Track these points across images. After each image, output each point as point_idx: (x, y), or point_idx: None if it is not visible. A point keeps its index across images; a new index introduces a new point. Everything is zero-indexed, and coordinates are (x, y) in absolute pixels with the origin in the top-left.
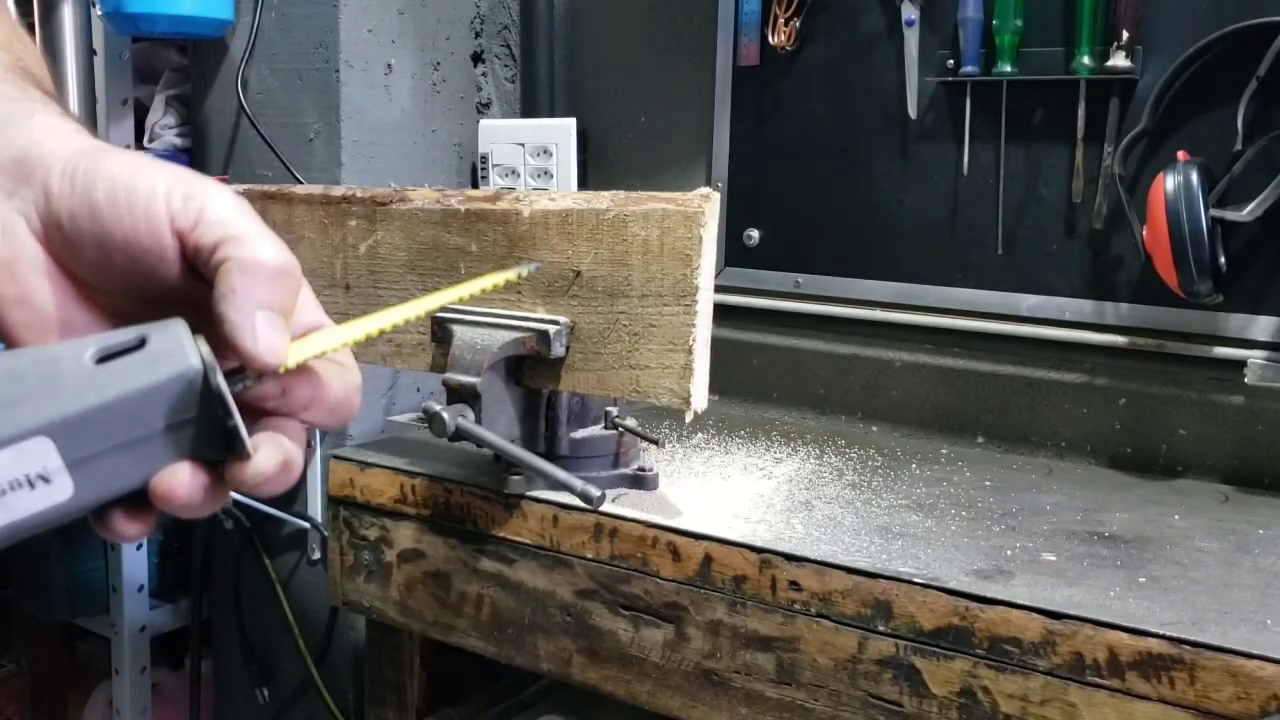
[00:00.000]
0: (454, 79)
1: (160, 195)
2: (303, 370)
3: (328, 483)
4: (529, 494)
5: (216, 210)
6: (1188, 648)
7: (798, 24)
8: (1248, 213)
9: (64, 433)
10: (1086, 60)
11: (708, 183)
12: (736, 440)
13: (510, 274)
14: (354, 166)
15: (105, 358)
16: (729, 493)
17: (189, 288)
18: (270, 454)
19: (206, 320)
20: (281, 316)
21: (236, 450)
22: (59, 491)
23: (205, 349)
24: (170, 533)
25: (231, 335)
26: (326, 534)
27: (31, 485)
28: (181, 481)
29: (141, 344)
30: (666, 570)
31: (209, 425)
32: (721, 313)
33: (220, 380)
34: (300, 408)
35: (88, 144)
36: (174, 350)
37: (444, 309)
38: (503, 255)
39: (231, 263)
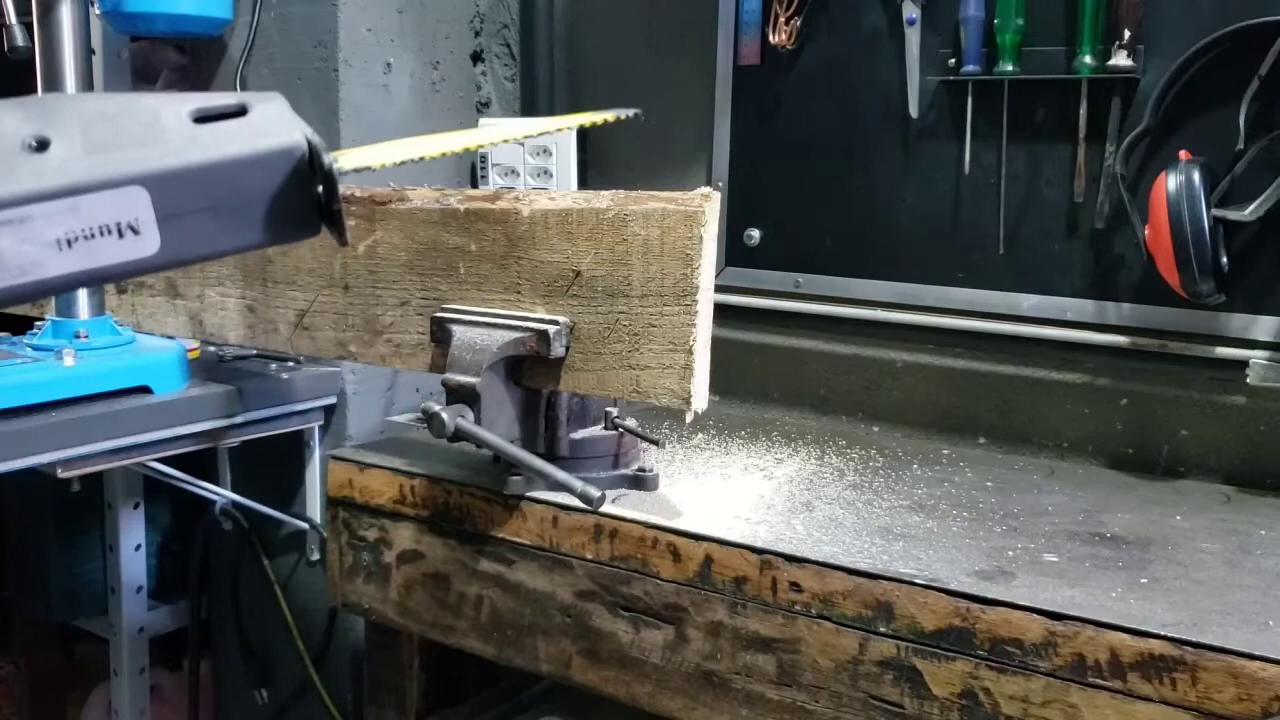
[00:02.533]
0: (453, 78)
1: None
2: None
3: (327, 483)
4: (528, 495)
5: None
6: (1189, 649)
7: (798, 23)
8: (1249, 212)
9: (161, 186)
10: (1088, 59)
11: (708, 182)
12: (737, 441)
13: (610, 114)
14: None
15: (204, 118)
16: (729, 493)
17: None
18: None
19: None
20: None
21: (337, 233)
22: (146, 245)
23: (308, 128)
24: (168, 534)
25: None
26: (325, 535)
27: (120, 234)
28: None
29: (242, 111)
30: (667, 571)
31: (307, 204)
32: (722, 313)
33: (330, 158)
34: None
35: None
36: (278, 123)
37: (442, 306)
38: (502, 255)
39: None
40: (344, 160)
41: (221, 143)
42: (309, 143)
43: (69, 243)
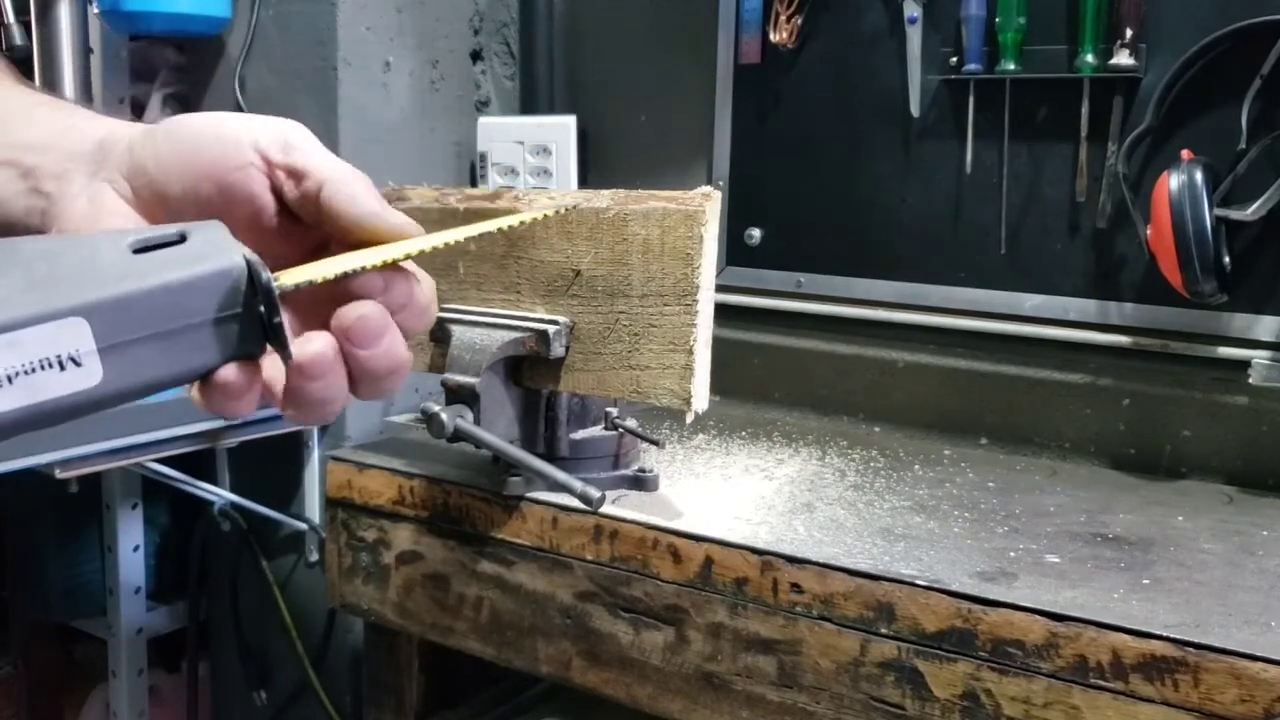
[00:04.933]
0: (453, 77)
1: (245, 126)
2: (400, 269)
3: (325, 484)
4: (528, 495)
5: (298, 137)
6: (1191, 650)
7: (799, 21)
8: (1252, 212)
9: (101, 316)
10: (1090, 58)
11: (709, 181)
12: (738, 441)
13: (551, 209)
14: (352, 165)
15: (143, 249)
16: (730, 494)
17: (269, 214)
18: (317, 345)
19: (280, 241)
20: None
21: (280, 349)
22: (88, 377)
23: (248, 250)
24: (167, 535)
25: (373, 223)
26: (324, 536)
27: (61, 367)
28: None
29: (181, 239)
30: (667, 572)
31: (250, 323)
32: (722, 312)
33: (268, 275)
34: (400, 305)
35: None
36: (216, 247)
37: (441, 306)
38: (502, 255)
39: (331, 177)
40: (285, 278)
41: (159, 270)
42: (247, 262)
43: (9, 379)
